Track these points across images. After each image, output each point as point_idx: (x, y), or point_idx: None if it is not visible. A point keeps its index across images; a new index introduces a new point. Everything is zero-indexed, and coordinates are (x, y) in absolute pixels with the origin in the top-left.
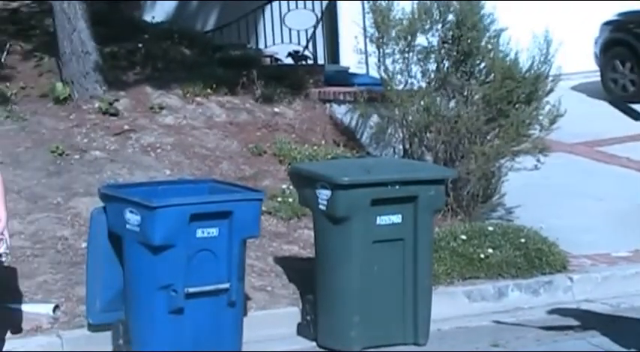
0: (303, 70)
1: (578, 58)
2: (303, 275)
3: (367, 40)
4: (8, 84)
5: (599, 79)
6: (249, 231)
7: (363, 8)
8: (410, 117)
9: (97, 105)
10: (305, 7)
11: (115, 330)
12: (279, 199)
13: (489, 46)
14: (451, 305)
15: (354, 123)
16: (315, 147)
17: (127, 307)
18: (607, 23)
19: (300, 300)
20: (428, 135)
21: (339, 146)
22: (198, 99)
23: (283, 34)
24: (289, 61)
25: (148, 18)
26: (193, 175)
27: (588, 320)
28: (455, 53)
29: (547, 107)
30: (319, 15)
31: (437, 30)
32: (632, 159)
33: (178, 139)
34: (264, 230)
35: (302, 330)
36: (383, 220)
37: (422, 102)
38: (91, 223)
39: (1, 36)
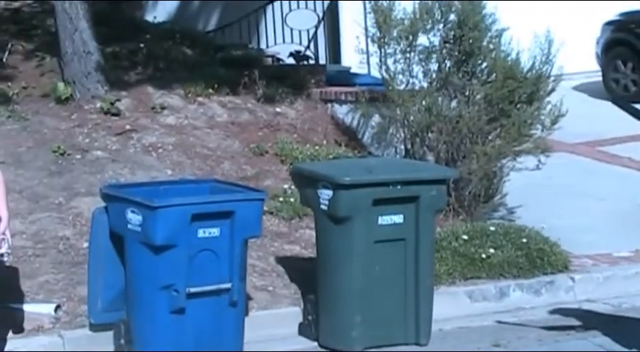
0: (305, 70)
1: (579, 58)
2: (305, 275)
3: (369, 40)
4: (10, 84)
5: (600, 79)
6: (250, 230)
7: (365, 8)
8: (411, 117)
9: (98, 105)
10: (306, 7)
11: (116, 330)
12: (281, 199)
13: (491, 46)
14: (453, 305)
15: (355, 123)
16: (317, 147)
17: (129, 307)
18: (609, 23)
19: (301, 300)
20: (429, 135)
21: (341, 146)
22: (199, 99)
23: (285, 34)
24: (291, 61)
25: (149, 18)
26: (195, 175)
27: (590, 320)
28: (456, 53)
29: (549, 107)
30: (321, 15)
31: (438, 30)
32: (633, 159)
33: (180, 139)
34: (266, 230)
35: (303, 330)
36: (384, 220)
37: (423, 102)
38: (92, 223)
39: (2, 36)
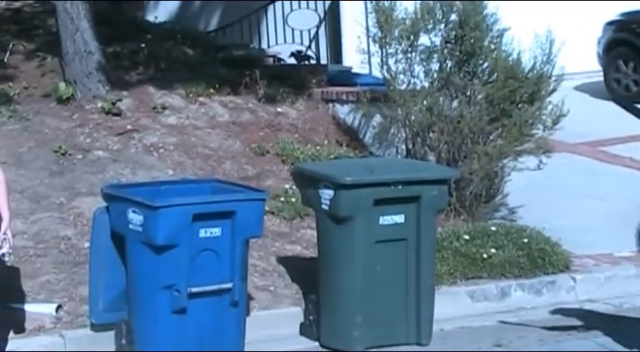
0: (306, 69)
1: (581, 57)
2: (306, 275)
3: (370, 39)
4: (11, 84)
5: (602, 78)
6: (251, 230)
7: (366, 8)
8: (413, 117)
9: (99, 105)
10: (308, 7)
11: (117, 330)
12: (282, 199)
13: (492, 46)
14: (454, 305)
15: (356, 123)
16: (318, 147)
17: (130, 307)
18: (610, 23)
19: (302, 300)
20: (431, 135)
21: (342, 146)
22: (201, 99)
23: (286, 33)
24: (292, 60)
25: (150, 18)
26: (196, 175)
27: (591, 320)
28: (458, 53)
29: (550, 107)
30: (322, 15)
31: (440, 30)
32: (634, 159)
33: (181, 139)
34: (267, 230)
35: (305, 330)
36: (386, 220)
37: (425, 102)
38: (93, 223)
39: (4, 36)
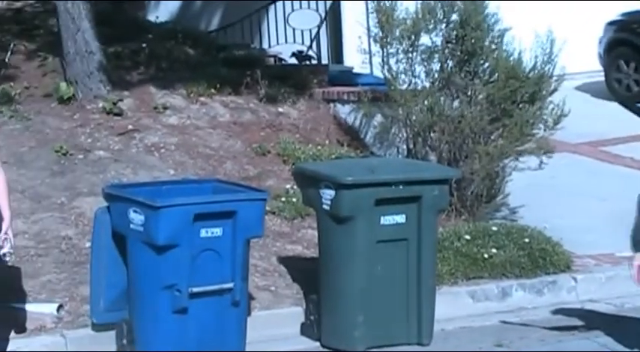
0: (307, 69)
1: (582, 57)
2: (307, 275)
3: (371, 39)
4: (12, 83)
5: (603, 79)
6: (253, 230)
7: (367, 8)
8: (414, 117)
9: (100, 105)
10: (309, 7)
11: (118, 330)
12: (283, 199)
13: (493, 46)
14: (455, 305)
15: (357, 122)
16: (319, 147)
17: (131, 307)
18: (611, 23)
19: (303, 300)
20: (432, 134)
21: (343, 146)
22: (202, 99)
23: (287, 33)
24: (293, 60)
25: (151, 18)
26: (197, 175)
27: (592, 320)
28: (459, 53)
29: (551, 107)
30: (323, 15)
31: (441, 30)
32: (635, 159)
33: (182, 139)
34: (268, 230)
35: (306, 330)
36: (387, 220)
37: (426, 102)
38: (94, 223)
39: (5, 36)
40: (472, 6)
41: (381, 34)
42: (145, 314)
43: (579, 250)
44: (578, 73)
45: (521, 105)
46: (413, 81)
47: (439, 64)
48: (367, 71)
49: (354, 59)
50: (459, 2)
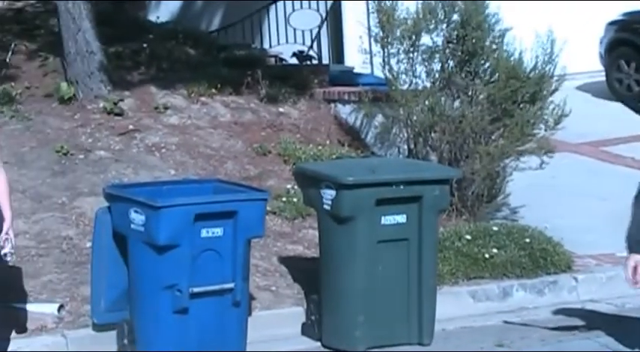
0: (308, 69)
1: (583, 57)
2: (308, 275)
3: (372, 39)
4: (13, 83)
5: (604, 78)
6: (253, 230)
7: (368, 8)
8: (414, 117)
9: (101, 105)
10: (310, 7)
11: (119, 330)
12: (284, 199)
13: (494, 46)
14: (456, 305)
15: (358, 123)
16: (320, 147)
17: (132, 307)
18: (612, 23)
19: (304, 300)
20: (432, 135)
21: (344, 146)
22: (202, 99)
23: (288, 34)
24: (294, 60)
25: (152, 18)
26: (198, 175)
27: (593, 320)
28: (459, 53)
29: (552, 107)
30: (324, 15)
31: (441, 30)
32: (636, 159)
33: (183, 139)
34: (269, 230)
35: (306, 330)
36: (387, 220)
37: (426, 102)
38: (95, 223)
39: (6, 36)
40: (473, 6)
41: (381, 34)
42: (146, 314)
43: (580, 250)
44: (579, 73)
45: (522, 105)
46: (414, 81)
47: (440, 64)
48: (368, 71)
49: (354, 59)
50: (459, 2)
